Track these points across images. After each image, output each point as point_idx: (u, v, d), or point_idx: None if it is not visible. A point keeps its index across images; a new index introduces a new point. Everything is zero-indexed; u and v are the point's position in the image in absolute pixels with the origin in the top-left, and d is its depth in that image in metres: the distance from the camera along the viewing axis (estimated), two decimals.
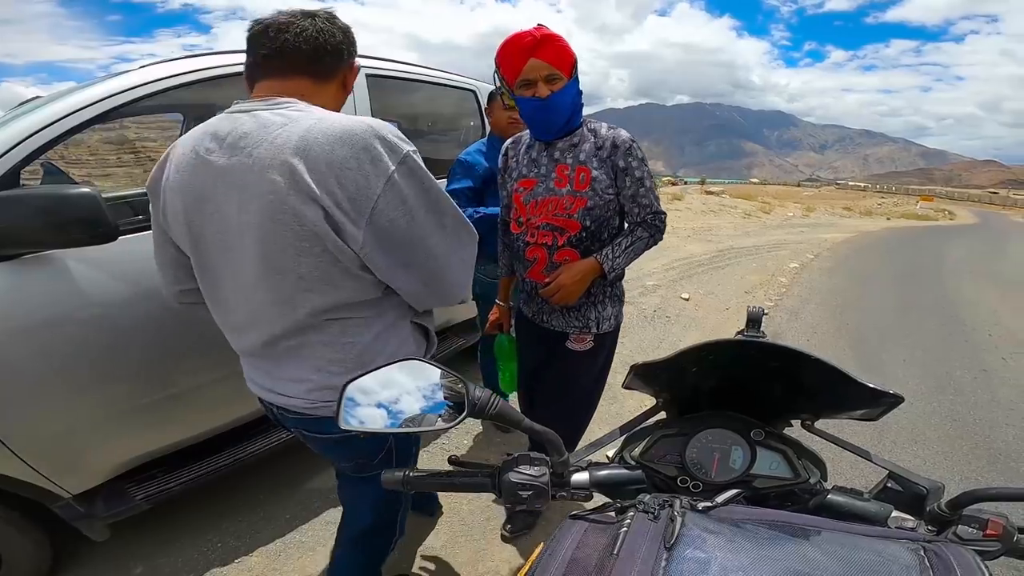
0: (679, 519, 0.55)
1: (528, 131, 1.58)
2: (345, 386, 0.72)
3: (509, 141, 1.67)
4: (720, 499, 0.62)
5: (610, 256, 1.48)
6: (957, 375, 3.84)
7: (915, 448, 2.81)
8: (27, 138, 1.34)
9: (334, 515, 2.08)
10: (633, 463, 0.77)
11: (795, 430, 0.80)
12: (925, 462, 2.68)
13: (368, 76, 2.46)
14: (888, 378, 3.74)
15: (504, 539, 2.01)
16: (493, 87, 2.04)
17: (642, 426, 0.81)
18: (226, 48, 1.87)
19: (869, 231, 15.22)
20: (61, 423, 1.51)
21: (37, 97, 2.12)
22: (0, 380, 1.37)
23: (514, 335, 1.93)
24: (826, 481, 0.73)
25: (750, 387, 0.77)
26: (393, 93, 2.71)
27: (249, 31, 1.01)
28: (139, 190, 1.73)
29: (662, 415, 0.85)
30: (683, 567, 0.50)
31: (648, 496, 0.61)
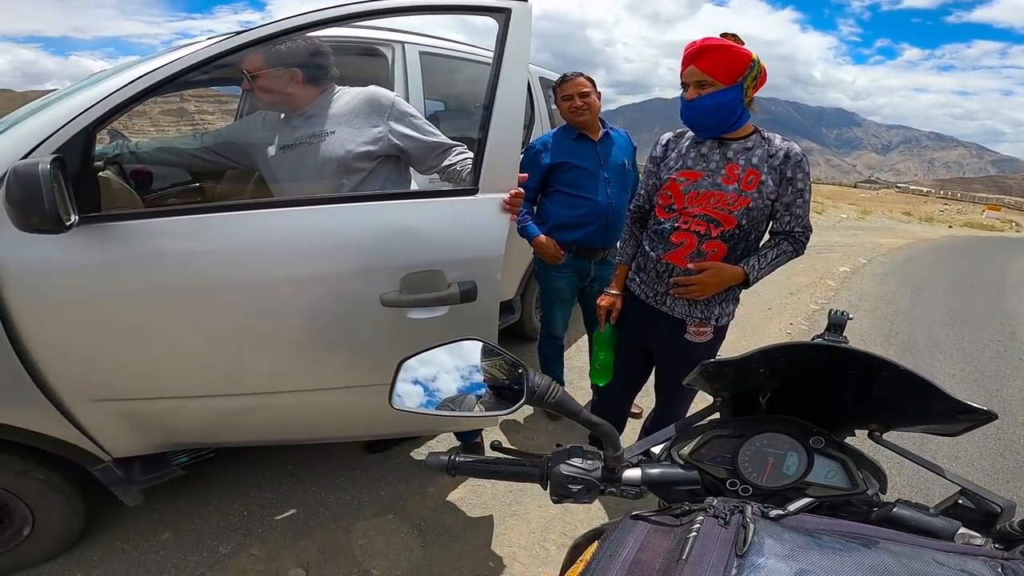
0: (751, 526, 0.53)
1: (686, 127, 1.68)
2: (400, 363, 0.70)
3: (671, 135, 1.72)
4: (792, 507, 0.60)
5: (756, 267, 1.58)
6: (1007, 393, 3.70)
7: (954, 464, 2.70)
8: (97, 103, 1.30)
9: (354, 494, 2.14)
10: (681, 462, 0.75)
11: (856, 440, 0.77)
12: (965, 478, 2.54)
13: (421, 54, 2.45)
14: None
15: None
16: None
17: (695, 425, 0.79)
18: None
19: (928, 238, 14.48)
20: (143, 393, 1.50)
21: (103, 71, 2.16)
22: (84, 346, 1.38)
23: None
24: (884, 494, 0.71)
25: (815, 392, 0.74)
26: (443, 72, 2.68)
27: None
28: None
29: (716, 415, 0.82)
30: (755, 575, 0.48)
31: (717, 500, 0.60)
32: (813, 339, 0.73)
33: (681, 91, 1.54)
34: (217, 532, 1.92)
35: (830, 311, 0.81)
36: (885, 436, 0.74)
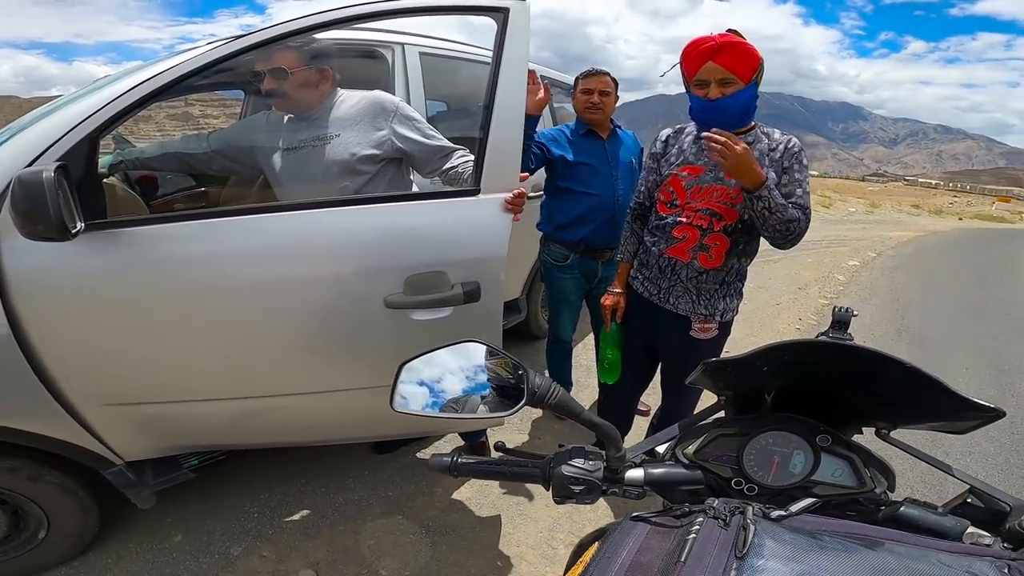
0: (752, 527, 0.53)
1: (691, 122, 1.63)
2: (400, 367, 0.70)
3: (670, 131, 1.71)
4: (795, 508, 0.59)
5: (774, 187, 1.43)
6: (1021, 388, 3.65)
7: (967, 460, 2.69)
8: (100, 109, 1.30)
9: (363, 494, 2.14)
10: (686, 461, 0.74)
11: (863, 438, 0.76)
12: (976, 474, 2.52)
13: (421, 55, 2.44)
14: None
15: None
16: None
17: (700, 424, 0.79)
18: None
19: (938, 230, 14.38)
20: (152, 396, 1.51)
21: (107, 76, 2.17)
22: (93, 351, 1.39)
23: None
24: (892, 492, 0.70)
25: (820, 390, 0.73)
26: (444, 73, 2.67)
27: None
28: None
29: (721, 413, 0.82)
30: None
31: (717, 501, 0.59)
32: (817, 336, 0.73)
33: (690, 89, 1.49)
34: (229, 534, 1.93)
35: (834, 308, 0.80)
36: (893, 434, 0.73)
